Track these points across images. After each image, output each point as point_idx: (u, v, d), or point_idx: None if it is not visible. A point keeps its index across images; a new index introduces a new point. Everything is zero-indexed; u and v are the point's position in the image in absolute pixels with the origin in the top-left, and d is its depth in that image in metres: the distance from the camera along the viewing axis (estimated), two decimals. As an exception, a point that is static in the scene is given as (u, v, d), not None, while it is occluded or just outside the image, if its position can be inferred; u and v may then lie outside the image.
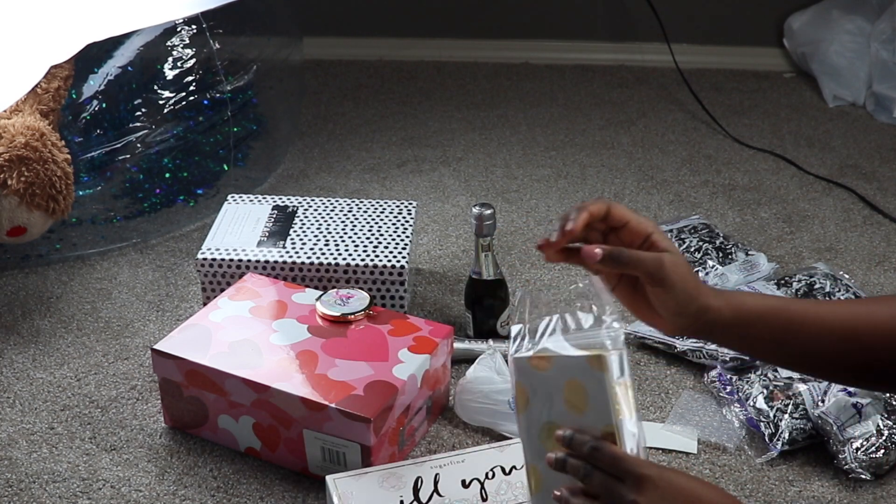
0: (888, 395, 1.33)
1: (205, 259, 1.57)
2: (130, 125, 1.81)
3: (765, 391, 1.37)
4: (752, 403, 1.37)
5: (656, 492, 0.89)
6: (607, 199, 0.95)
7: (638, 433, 0.95)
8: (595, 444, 0.92)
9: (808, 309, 1.01)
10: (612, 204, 0.96)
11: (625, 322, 1.59)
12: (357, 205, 1.70)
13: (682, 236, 1.74)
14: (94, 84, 1.82)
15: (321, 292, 1.45)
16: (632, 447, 0.94)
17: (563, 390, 0.95)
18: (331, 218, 1.66)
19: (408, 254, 1.58)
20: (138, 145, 1.81)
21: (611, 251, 0.93)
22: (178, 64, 1.87)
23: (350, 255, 1.57)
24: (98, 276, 1.74)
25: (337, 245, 1.60)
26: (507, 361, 1.40)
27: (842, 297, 1.56)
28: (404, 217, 1.67)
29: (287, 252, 1.58)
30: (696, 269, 1.68)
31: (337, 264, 1.56)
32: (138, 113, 1.83)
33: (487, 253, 1.48)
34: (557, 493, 0.93)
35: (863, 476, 1.28)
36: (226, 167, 1.96)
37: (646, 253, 0.94)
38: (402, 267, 1.55)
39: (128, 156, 1.81)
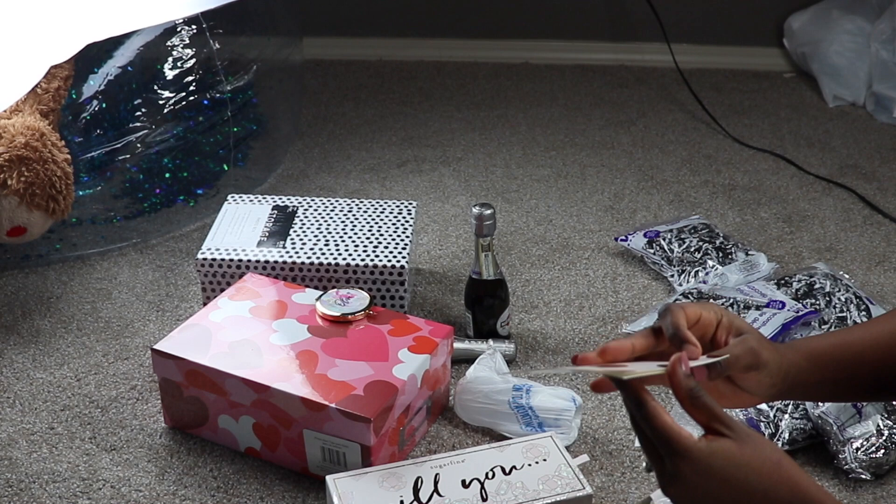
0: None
1: (205, 259, 1.57)
2: (130, 125, 1.81)
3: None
4: (752, 403, 1.37)
5: (695, 471, 0.82)
6: (673, 306, 0.93)
7: None
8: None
9: (865, 334, 0.97)
10: (681, 309, 0.91)
11: (623, 323, 1.59)
12: (357, 205, 1.70)
13: (682, 236, 1.74)
14: (94, 84, 1.82)
15: (321, 292, 1.45)
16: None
17: None
18: (331, 218, 1.66)
19: (408, 254, 1.58)
20: (138, 145, 1.81)
21: (715, 368, 0.89)
22: (178, 64, 1.87)
23: (350, 255, 1.57)
24: (98, 276, 1.74)
25: (337, 245, 1.60)
26: (506, 362, 1.40)
27: (842, 297, 1.56)
28: (404, 217, 1.67)
29: (287, 252, 1.58)
30: (696, 269, 1.68)
31: (337, 264, 1.56)
32: (138, 113, 1.83)
33: (487, 253, 1.48)
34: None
35: (863, 476, 1.28)
36: (226, 167, 1.96)
37: (736, 348, 0.90)
38: (402, 267, 1.55)
39: (128, 156, 1.81)
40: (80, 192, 1.76)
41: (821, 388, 0.96)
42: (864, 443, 1.28)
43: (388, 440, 1.28)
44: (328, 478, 1.21)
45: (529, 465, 1.22)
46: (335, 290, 1.45)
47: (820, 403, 1.32)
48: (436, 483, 1.20)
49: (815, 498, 0.81)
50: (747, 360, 0.90)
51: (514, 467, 1.22)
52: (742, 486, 0.81)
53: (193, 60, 1.88)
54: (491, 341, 1.51)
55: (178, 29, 1.88)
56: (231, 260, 1.56)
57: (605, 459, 1.33)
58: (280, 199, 1.72)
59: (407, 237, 1.62)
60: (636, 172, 2.10)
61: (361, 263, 1.55)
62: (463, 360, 1.48)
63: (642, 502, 1.21)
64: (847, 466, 1.28)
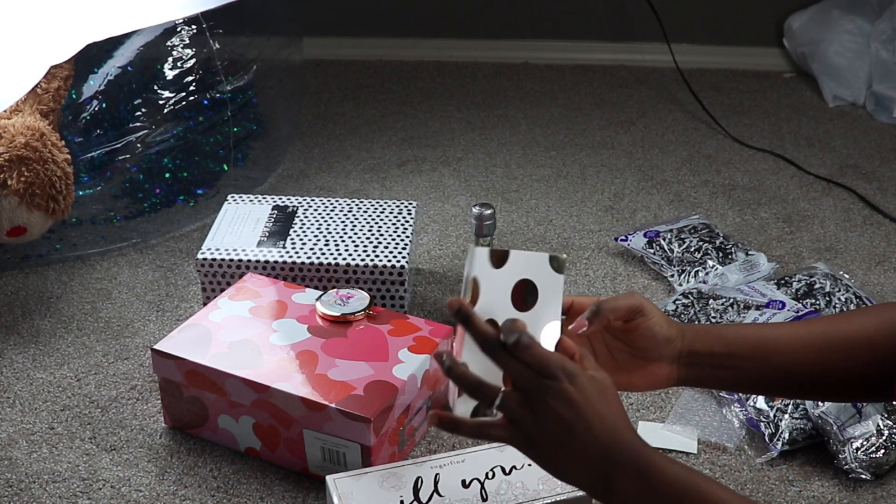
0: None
1: (205, 259, 1.57)
2: (130, 125, 1.81)
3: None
4: (752, 403, 1.37)
5: (583, 387, 0.86)
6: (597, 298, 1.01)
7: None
8: (526, 338, 0.87)
9: (781, 330, 1.03)
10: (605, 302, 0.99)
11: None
12: (357, 205, 1.70)
13: (682, 236, 1.74)
14: (94, 84, 1.82)
15: (321, 292, 1.45)
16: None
17: (514, 287, 0.94)
18: (331, 218, 1.66)
19: (408, 254, 1.58)
20: (138, 145, 1.81)
21: (591, 311, 0.97)
22: (178, 64, 1.87)
23: (350, 255, 1.57)
24: (98, 276, 1.74)
25: (337, 245, 1.60)
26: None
27: (842, 297, 1.56)
28: (404, 217, 1.67)
29: (287, 252, 1.58)
30: (696, 269, 1.68)
31: (337, 264, 1.56)
32: (138, 113, 1.83)
33: (487, 253, 1.48)
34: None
35: (863, 476, 1.28)
36: (226, 167, 1.96)
37: (618, 295, 0.99)
38: (402, 267, 1.55)
39: (128, 156, 1.81)
40: (80, 192, 1.76)
41: (731, 372, 1.01)
42: (864, 443, 1.28)
43: (388, 440, 1.28)
44: (328, 478, 1.21)
45: (529, 464, 1.22)
46: (335, 290, 1.45)
47: (820, 403, 1.32)
48: (436, 483, 1.20)
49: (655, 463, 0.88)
50: (627, 300, 0.97)
51: (514, 467, 1.22)
52: (612, 408, 0.88)
53: (193, 60, 1.88)
54: (491, 341, 1.51)
55: (178, 29, 1.88)
56: (231, 260, 1.56)
57: (605, 459, 1.33)
58: (280, 199, 1.72)
59: (407, 237, 1.62)
60: (636, 172, 2.10)
61: (361, 263, 1.55)
62: (463, 360, 1.48)
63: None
64: (847, 466, 1.28)
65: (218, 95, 1.90)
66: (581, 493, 1.18)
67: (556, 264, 0.95)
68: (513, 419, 0.87)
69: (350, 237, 1.61)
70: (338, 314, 1.40)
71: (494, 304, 0.94)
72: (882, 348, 0.99)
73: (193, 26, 1.88)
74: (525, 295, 0.95)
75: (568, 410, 0.85)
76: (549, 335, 0.94)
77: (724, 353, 1.01)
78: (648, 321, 0.98)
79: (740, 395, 1.38)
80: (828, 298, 1.56)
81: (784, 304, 1.52)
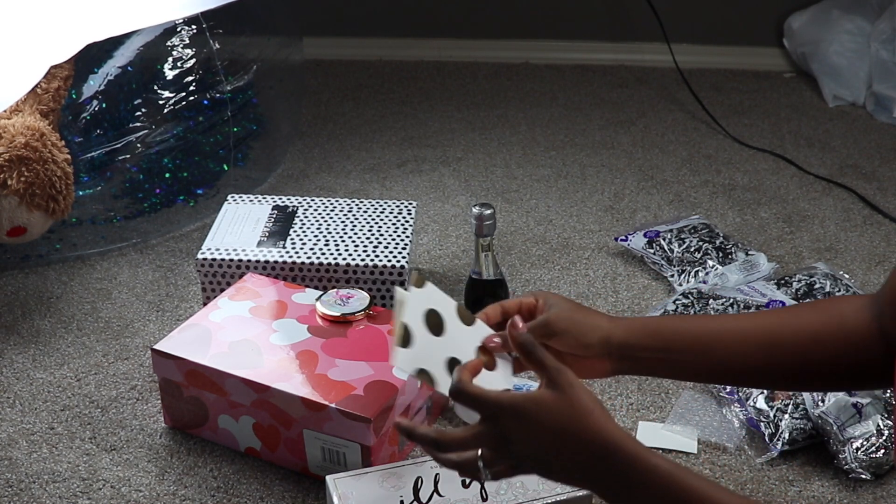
0: (887, 394, 1.33)
1: (205, 259, 1.57)
2: (130, 125, 1.81)
3: (765, 391, 1.37)
4: (752, 403, 1.37)
5: (521, 422, 0.89)
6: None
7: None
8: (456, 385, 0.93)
9: (725, 324, 1.05)
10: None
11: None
12: (357, 205, 1.70)
13: (682, 236, 1.74)
14: (94, 84, 1.82)
15: (321, 292, 1.45)
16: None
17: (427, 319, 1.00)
18: (331, 218, 1.66)
19: (408, 254, 1.58)
20: (138, 145, 1.81)
21: (502, 337, 1.01)
22: (178, 64, 1.87)
23: (350, 255, 1.57)
24: (98, 276, 1.74)
25: (337, 245, 1.60)
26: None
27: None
28: (404, 217, 1.67)
29: (287, 252, 1.58)
30: (696, 269, 1.68)
31: (337, 264, 1.56)
32: (138, 113, 1.83)
33: (487, 253, 1.48)
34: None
35: (863, 476, 1.28)
36: (226, 167, 1.96)
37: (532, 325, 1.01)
38: (402, 267, 1.55)
39: (128, 156, 1.81)
40: (80, 192, 1.76)
41: (667, 364, 1.04)
42: (864, 443, 1.28)
43: (388, 440, 1.28)
44: (328, 478, 1.21)
45: (529, 465, 1.22)
46: (335, 290, 1.45)
47: (820, 403, 1.32)
48: (436, 483, 1.20)
49: (617, 442, 0.88)
50: (537, 333, 0.99)
51: (514, 467, 1.22)
52: (556, 430, 0.88)
53: (193, 60, 1.88)
54: (491, 341, 1.51)
55: (178, 29, 1.88)
56: (231, 260, 1.56)
57: (605, 459, 1.33)
58: (280, 199, 1.72)
59: (407, 237, 1.62)
60: (636, 172, 2.10)
61: (361, 263, 1.55)
62: (463, 360, 1.48)
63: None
64: (847, 466, 1.28)
65: (218, 95, 1.90)
66: (581, 493, 1.18)
67: (418, 282, 0.99)
68: (504, 470, 0.92)
69: (350, 237, 1.61)
70: (338, 314, 1.40)
71: (426, 346, 0.98)
72: (828, 343, 1.00)
73: (193, 26, 1.88)
74: (439, 323, 1.00)
75: (526, 437, 0.90)
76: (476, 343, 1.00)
77: (658, 347, 1.03)
78: (563, 337, 1.01)
79: (740, 395, 1.38)
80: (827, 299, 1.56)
81: (784, 304, 1.51)
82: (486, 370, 0.99)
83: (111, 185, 1.81)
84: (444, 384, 0.96)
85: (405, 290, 0.98)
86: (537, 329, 1.00)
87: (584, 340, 1.02)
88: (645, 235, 1.77)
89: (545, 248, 1.83)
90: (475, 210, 1.46)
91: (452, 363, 0.98)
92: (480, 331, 1.02)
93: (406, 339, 0.97)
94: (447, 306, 1.01)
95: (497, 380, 1.00)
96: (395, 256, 1.57)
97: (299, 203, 1.70)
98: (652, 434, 1.37)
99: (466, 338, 1.00)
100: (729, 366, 1.03)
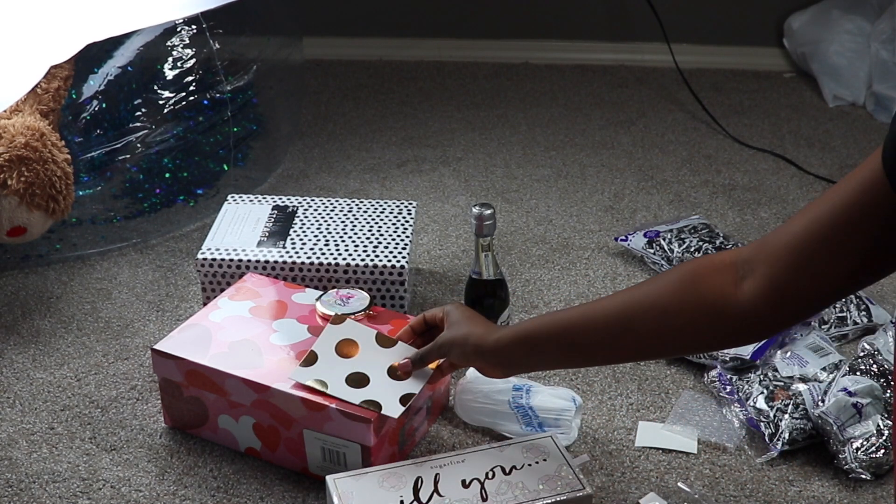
0: (887, 394, 1.33)
1: (205, 259, 1.57)
2: (130, 125, 1.81)
3: (765, 391, 1.37)
4: (752, 403, 1.37)
5: None
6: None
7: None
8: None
9: (574, 314, 1.14)
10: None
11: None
12: (357, 205, 1.70)
13: (682, 236, 1.74)
14: (94, 84, 1.82)
15: (321, 292, 1.45)
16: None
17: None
18: (331, 218, 1.66)
19: (408, 254, 1.58)
20: (138, 145, 1.81)
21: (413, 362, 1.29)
22: (178, 64, 1.87)
23: (350, 255, 1.57)
24: (98, 276, 1.74)
25: (337, 245, 1.60)
26: None
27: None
28: (404, 217, 1.67)
29: (287, 252, 1.58)
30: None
31: (337, 264, 1.56)
32: (138, 113, 1.83)
33: (487, 253, 1.48)
34: None
35: (863, 476, 1.28)
36: (226, 167, 1.96)
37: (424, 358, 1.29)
38: (402, 267, 1.55)
39: (128, 156, 1.81)
40: (80, 192, 1.76)
41: (538, 358, 1.20)
42: (864, 443, 1.28)
43: (388, 440, 1.28)
44: (328, 478, 1.21)
45: (529, 465, 1.22)
46: (335, 290, 1.45)
47: (820, 403, 1.32)
48: (436, 483, 1.20)
49: (485, 348, 1.20)
50: (430, 360, 1.28)
51: (514, 467, 1.22)
52: (464, 354, 1.23)
53: (193, 60, 1.88)
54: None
55: (178, 29, 1.88)
56: (231, 260, 1.56)
57: (605, 459, 1.33)
58: (280, 199, 1.72)
59: (407, 237, 1.62)
60: (636, 172, 2.10)
61: (361, 263, 1.55)
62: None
63: None
64: (847, 466, 1.28)
65: (218, 95, 1.90)
66: (581, 493, 1.18)
67: (336, 320, 1.35)
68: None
69: (350, 237, 1.61)
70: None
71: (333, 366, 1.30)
72: (679, 312, 1.04)
73: (193, 26, 1.88)
74: (352, 349, 1.32)
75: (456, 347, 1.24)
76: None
77: (525, 353, 1.18)
78: (450, 355, 1.25)
79: (740, 395, 1.38)
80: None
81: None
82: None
83: (111, 185, 1.81)
84: (336, 389, 1.25)
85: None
86: (433, 354, 1.26)
87: (465, 359, 1.23)
88: (645, 235, 1.77)
89: (545, 248, 1.83)
90: (475, 210, 1.46)
91: (357, 376, 1.27)
92: (400, 350, 1.30)
93: (310, 362, 1.28)
94: (367, 336, 1.32)
95: (413, 383, 1.28)
96: (395, 256, 1.57)
97: (299, 203, 1.70)
98: (652, 434, 1.37)
99: (383, 358, 1.29)
100: (588, 351, 1.14)
